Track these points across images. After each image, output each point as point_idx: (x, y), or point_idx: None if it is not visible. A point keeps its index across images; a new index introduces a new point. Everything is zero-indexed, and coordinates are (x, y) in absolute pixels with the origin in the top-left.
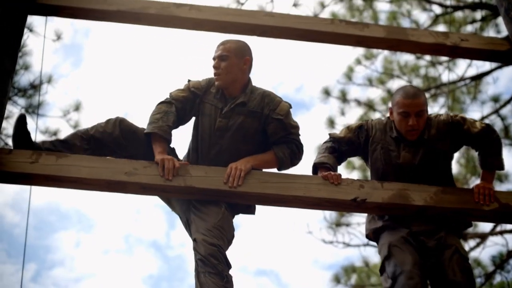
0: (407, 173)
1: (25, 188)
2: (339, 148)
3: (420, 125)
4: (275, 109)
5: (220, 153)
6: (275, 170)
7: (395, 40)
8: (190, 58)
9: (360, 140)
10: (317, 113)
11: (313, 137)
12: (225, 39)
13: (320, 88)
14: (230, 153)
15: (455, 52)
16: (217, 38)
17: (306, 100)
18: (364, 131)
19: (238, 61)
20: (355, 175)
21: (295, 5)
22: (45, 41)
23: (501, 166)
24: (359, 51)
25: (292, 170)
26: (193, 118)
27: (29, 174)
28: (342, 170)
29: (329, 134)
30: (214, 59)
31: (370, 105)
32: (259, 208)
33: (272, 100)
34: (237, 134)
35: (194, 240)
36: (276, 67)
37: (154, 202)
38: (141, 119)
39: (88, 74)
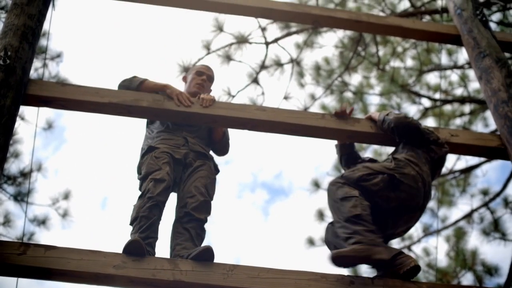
0: None
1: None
2: None
3: None
4: None
5: None
6: (264, 264)
7: (386, 135)
8: None
9: None
10: (295, 200)
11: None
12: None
13: (299, 174)
14: None
15: None
16: None
17: (285, 187)
18: None
19: None
20: None
21: (286, 97)
22: (36, 130)
23: None
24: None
25: (282, 265)
26: None
27: (17, 266)
28: None
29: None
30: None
31: None
32: None
33: None
34: None
35: None
36: (255, 154)
37: None
38: (120, 204)
39: (69, 157)
